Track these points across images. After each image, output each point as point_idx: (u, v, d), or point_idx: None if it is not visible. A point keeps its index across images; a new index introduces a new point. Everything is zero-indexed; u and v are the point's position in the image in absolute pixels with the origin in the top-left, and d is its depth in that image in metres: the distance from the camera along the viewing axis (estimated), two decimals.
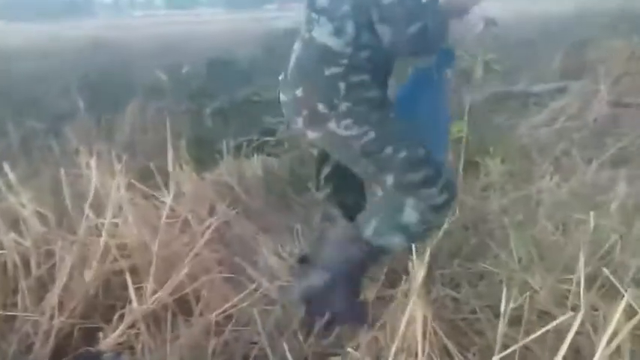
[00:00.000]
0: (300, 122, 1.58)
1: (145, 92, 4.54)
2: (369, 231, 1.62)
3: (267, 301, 1.82)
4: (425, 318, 1.31)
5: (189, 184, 2.35)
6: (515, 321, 1.34)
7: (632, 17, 7.22)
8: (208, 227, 1.85)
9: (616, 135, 3.41)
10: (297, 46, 1.61)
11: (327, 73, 1.50)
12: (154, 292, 1.56)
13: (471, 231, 2.22)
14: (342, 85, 1.50)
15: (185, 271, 1.60)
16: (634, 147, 3.22)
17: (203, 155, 2.99)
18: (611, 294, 1.44)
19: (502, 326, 1.21)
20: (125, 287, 1.55)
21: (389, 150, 1.53)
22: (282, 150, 3.19)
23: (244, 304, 1.64)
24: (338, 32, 1.49)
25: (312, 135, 1.60)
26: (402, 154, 1.54)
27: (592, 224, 1.68)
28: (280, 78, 1.66)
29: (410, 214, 1.57)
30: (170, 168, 2.01)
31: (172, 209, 1.81)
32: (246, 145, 3.12)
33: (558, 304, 1.58)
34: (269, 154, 3.12)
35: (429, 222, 1.62)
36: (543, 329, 1.11)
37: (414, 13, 1.40)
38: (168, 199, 1.75)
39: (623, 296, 1.03)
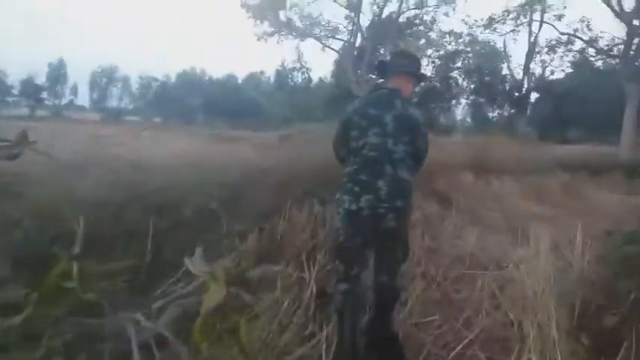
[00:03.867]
0: (390, 218, 2.59)
1: None
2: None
3: None
4: None
5: None
6: None
7: None
8: None
9: None
10: (374, 178, 2.63)
11: (411, 195, 2.70)
12: None
13: None
14: (415, 195, 2.79)
15: None
16: None
17: None
18: None
19: None
20: None
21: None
22: None
23: None
24: (410, 171, 2.72)
25: (392, 224, 2.61)
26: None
27: None
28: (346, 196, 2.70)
29: None
30: None
31: None
32: None
33: None
34: None
35: None
36: None
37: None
38: None
39: None
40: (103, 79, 57.13)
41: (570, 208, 7.80)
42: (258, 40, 24.98)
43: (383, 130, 2.66)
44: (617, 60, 19.34)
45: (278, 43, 25.62)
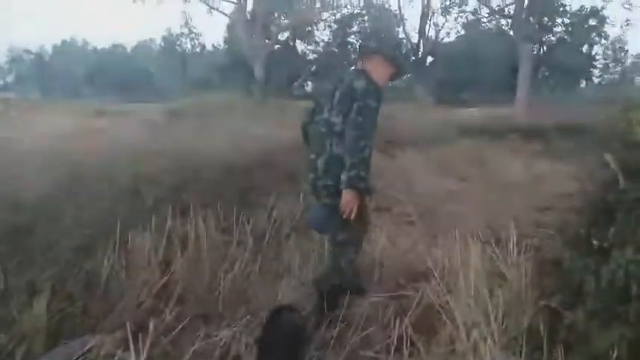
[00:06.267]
0: (325, 195, 2.73)
1: None
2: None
3: None
4: None
5: None
6: None
7: None
8: None
9: None
10: (316, 156, 2.77)
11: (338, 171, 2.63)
12: None
13: None
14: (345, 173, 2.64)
15: None
16: None
17: None
18: None
19: None
20: None
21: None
22: None
23: None
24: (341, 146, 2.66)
25: (327, 201, 2.74)
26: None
27: None
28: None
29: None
30: None
31: None
32: None
33: None
34: None
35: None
36: None
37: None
38: None
39: None
40: None
41: (479, 179, 7.30)
42: (134, 1, 22.34)
43: (331, 105, 2.73)
44: (509, 20, 19.53)
45: (158, 4, 23.18)
